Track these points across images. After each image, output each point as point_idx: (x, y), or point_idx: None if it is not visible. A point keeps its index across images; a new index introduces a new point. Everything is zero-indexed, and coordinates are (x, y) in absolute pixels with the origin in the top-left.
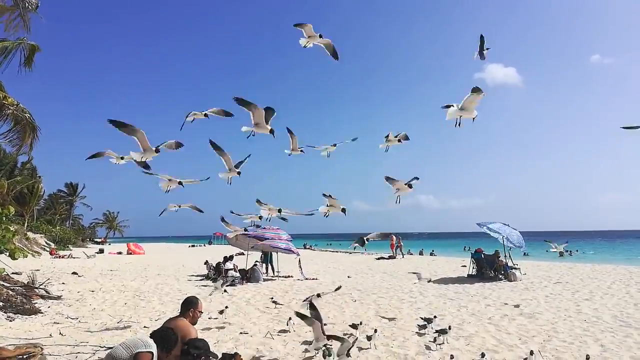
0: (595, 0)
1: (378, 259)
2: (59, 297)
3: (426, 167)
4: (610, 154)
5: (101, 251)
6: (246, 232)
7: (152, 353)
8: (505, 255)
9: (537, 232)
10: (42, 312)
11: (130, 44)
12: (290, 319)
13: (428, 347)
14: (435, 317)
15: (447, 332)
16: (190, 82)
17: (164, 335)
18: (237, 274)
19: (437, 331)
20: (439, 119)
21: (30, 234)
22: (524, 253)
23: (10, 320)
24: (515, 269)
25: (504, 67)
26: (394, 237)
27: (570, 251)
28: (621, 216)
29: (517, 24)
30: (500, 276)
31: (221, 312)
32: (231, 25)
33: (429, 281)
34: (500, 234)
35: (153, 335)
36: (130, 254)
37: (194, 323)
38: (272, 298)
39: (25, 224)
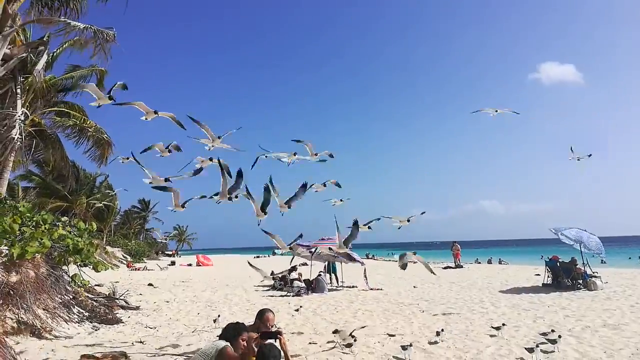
0: None
1: (444, 268)
2: (137, 308)
3: (488, 172)
4: None
5: (173, 263)
6: (305, 244)
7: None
8: (584, 263)
9: (615, 237)
10: (123, 322)
11: (198, 51)
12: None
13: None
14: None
15: (557, 342)
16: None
17: (226, 330)
18: (303, 284)
19: (547, 340)
20: (497, 121)
21: (108, 248)
22: (602, 261)
23: (96, 330)
24: (596, 277)
25: (560, 65)
26: (458, 245)
27: None
28: None
29: (575, 21)
30: (578, 285)
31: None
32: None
33: None
34: (578, 241)
35: (219, 337)
36: (200, 265)
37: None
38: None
39: (104, 239)
